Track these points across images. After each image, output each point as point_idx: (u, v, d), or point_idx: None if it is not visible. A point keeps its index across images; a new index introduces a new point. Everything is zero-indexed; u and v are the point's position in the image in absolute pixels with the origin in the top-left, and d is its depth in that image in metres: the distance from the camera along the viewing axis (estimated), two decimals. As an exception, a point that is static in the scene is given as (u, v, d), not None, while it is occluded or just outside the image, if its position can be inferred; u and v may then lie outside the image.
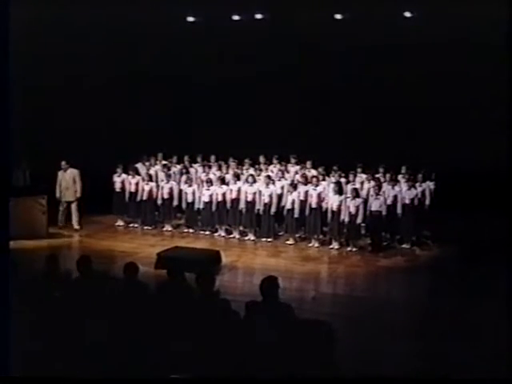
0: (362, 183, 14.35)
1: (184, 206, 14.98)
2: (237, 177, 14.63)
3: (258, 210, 14.20)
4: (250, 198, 14.17)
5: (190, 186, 14.81)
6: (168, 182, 14.98)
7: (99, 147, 15.73)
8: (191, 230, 14.85)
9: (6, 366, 5.01)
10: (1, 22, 5.26)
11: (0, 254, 5.27)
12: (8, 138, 5.33)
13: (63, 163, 14.70)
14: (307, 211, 13.82)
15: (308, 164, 15.15)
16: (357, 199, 13.39)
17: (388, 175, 14.22)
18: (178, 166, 15.89)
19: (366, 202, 13.59)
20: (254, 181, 14.29)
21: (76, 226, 14.76)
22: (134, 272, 6.82)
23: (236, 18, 16.99)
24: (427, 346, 8.06)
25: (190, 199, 14.77)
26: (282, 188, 14.27)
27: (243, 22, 17.00)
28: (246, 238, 14.42)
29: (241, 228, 14.56)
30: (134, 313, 5.90)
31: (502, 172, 10.55)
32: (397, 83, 15.79)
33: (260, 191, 14.13)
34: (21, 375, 5.04)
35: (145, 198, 15.01)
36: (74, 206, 14.78)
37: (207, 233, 14.70)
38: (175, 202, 14.99)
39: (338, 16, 16.32)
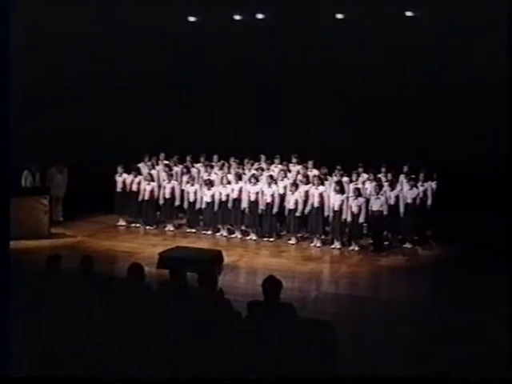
0: (363, 183, 14.35)
1: (186, 205, 14.98)
2: (239, 177, 14.62)
3: (261, 209, 14.20)
4: (252, 198, 14.16)
5: (192, 185, 14.82)
6: (170, 181, 14.98)
7: (101, 147, 15.73)
8: (193, 230, 14.85)
9: (6, 366, 5.01)
10: (1, 22, 5.26)
11: (0, 253, 5.26)
12: (8, 137, 5.33)
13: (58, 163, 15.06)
14: (309, 211, 13.83)
15: (309, 164, 15.15)
16: (359, 199, 13.40)
17: (390, 175, 14.25)
18: (180, 166, 15.88)
19: (367, 201, 13.59)
20: (257, 180, 14.29)
21: (60, 218, 15.32)
22: (139, 273, 6.78)
23: (237, 17, 16.99)
24: (429, 346, 8.04)
25: (191, 199, 14.77)
26: (285, 188, 14.26)
27: (244, 22, 17.00)
28: (248, 237, 14.42)
29: (243, 228, 14.56)
30: (136, 312, 5.90)
31: (504, 171, 10.54)
32: (398, 83, 15.78)
33: (263, 191, 14.13)
34: (21, 375, 5.04)
35: (146, 197, 15.00)
36: (60, 202, 15.39)
37: (209, 232, 14.69)
38: (177, 202, 15.00)
39: (340, 16, 16.32)
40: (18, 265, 6.73)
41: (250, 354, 5.30)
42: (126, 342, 5.55)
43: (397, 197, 13.77)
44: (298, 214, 13.88)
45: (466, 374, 6.14)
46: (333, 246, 13.71)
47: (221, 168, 15.38)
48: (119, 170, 15.27)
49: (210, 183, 14.57)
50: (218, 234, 14.67)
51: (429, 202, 13.97)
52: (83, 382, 5.13)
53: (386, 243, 13.76)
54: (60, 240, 13.71)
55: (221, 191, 14.43)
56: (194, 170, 15.72)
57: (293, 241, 14.06)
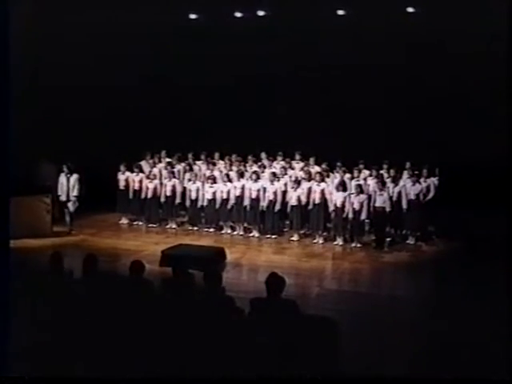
0: (365, 179, 14.34)
1: (188, 203, 14.98)
2: (240, 174, 14.63)
3: (263, 206, 14.21)
4: (254, 195, 14.18)
5: (194, 183, 14.83)
6: (172, 179, 14.98)
7: (103, 145, 15.71)
8: (195, 228, 14.86)
9: (6, 366, 5.02)
10: (1, 22, 5.26)
11: (1, 252, 5.27)
12: (7, 137, 5.34)
13: (66, 168, 14.27)
14: (311, 207, 13.83)
15: (311, 160, 15.16)
16: (361, 195, 13.39)
17: (392, 171, 14.25)
18: (182, 164, 15.88)
19: (369, 198, 13.58)
20: (258, 178, 14.30)
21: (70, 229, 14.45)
22: (140, 270, 6.81)
23: (238, 15, 16.98)
24: (430, 344, 8.03)
25: (193, 196, 14.78)
26: (286, 185, 14.27)
27: (245, 19, 16.98)
28: (251, 234, 14.42)
29: (245, 225, 14.57)
30: (139, 311, 5.90)
31: (505, 167, 10.53)
32: (399, 79, 15.75)
33: (264, 188, 14.14)
34: (21, 375, 5.04)
35: (149, 195, 15.02)
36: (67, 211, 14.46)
37: (211, 230, 14.70)
38: (178, 200, 15.00)
39: (341, 12, 16.30)
40: (21, 264, 6.74)
41: (252, 350, 5.31)
42: (127, 341, 5.56)
43: (399, 193, 13.76)
44: (299, 210, 13.90)
45: (466, 373, 6.14)
46: (335, 243, 13.71)
47: (225, 163, 15.41)
48: (122, 168, 15.29)
49: (213, 179, 14.57)
50: (220, 231, 14.69)
51: (431, 197, 13.95)
52: (83, 382, 5.13)
53: (388, 239, 13.75)
54: (62, 238, 13.72)
55: (222, 189, 14.44)
56: (195, 168, 15.72)
57: (295, 237, 14.07)
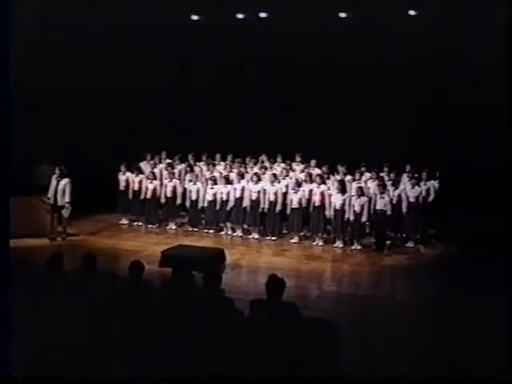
0: (366, 182, 14.33)
1: (188, 204, 14.99)
2: (241, 175, 14.62)
3: (263, 208, 14.21)
4: (254, 197, 14.17)
5: (195, 184, 14.83)
6: (172, 180, 14.99)
7: (103, 146, 15.72)
8: (195, 229, 14.85)
9: (6, 366, 5.01)
10: (1, 22, 5.27)
11: (1, 252, 5.27)
12: (7, 137, 5.34)
13: (58, 170, 13.74)
14: (311, 209, 13.83)
15: (312, 163, 15.15)
16: (362, 198, 13.38)
17: (392, 174, 14.24)
18: (183, 165, 15.89)
19: (370, 200, 13.57)
20: (259, 179, 14.29)
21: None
22: (140, 270, 6.80)
23: (240, 16, 16.99)
24: (431, 346, 8.03)
25: (194, 197, 14.78)
26: (287, 186, 14.27)
27: (247, 21, 17.00)
28: (251, 236, 14.42)
29: (245, 226, 14.56)
30: (138, 311, 5.90)
31: (505, 170, 10.53)
32: (400, 82, 15.76)
33: (264, 190, 14.13)
34: (21, 375, 5.04)
35: (149, 196, 15.02)
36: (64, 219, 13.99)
37: (211, 231, 14.69)
38: (178, 201, 15.00)
39: (343, 14, 16.32)
40: (21, 264, 6.74)
41: (251, 352, 5.30)
42: (126, 341, 5.55)
43: (399, 196, 13.75)
44: (299, 212, 13.90)
45: (466, 374, 6.13)
46: (335, 245, 13.70)
47: (223, 167, 15.40)
48: (122, 168, 15.29)
49: (214, 180, 14.57)
50: (220, 232, 14.68)
51: (431, 200, 13.94)
52: (83, 382, 5.13)
53: (388, 242, 13.74)
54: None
55: (223, 190, 14.44)
56: (196, 169, 15.73)
57: (295, 239, 14.06)
